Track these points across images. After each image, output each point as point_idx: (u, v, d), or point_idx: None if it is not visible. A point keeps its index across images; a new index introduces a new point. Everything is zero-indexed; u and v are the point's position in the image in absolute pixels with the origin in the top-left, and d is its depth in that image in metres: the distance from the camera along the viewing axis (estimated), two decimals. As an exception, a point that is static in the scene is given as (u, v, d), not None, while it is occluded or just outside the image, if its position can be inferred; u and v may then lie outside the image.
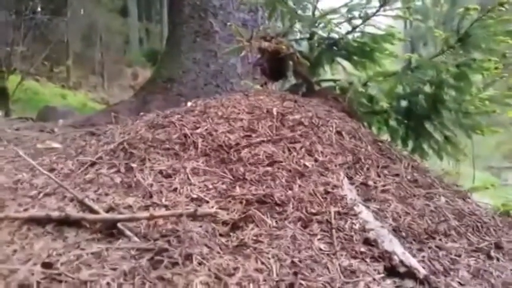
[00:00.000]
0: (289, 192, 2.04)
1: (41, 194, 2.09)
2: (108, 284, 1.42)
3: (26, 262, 1.52)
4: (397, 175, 2.45)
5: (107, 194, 1.95)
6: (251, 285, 1.48)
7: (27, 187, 2.23)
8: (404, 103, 3.88)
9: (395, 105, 4.01)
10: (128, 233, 1.67)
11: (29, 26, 10.74)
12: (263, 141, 2.38)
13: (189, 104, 2.91)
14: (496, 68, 3.44)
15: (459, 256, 1.89)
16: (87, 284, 1.42)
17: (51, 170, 2.38)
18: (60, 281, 1.43)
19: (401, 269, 1.64)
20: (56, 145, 3.38)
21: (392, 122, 4.20)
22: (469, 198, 2.61)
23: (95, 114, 6.70)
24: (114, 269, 1.49)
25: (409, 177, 2.48)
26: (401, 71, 3.67)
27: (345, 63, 4.42)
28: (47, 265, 1.48)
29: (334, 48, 4.18)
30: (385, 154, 2.68)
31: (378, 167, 2.48)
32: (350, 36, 4.11)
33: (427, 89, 3.72)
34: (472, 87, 3.65)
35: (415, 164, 2.80)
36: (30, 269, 1.47)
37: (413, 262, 1.67)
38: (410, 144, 4.08)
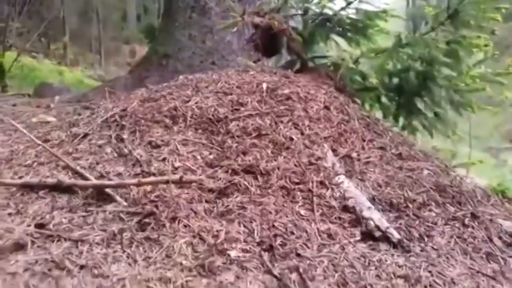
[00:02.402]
0: (274, 162, 2.12)
1: (35, 163, 2.17)
2: (97, 243, 1.52)
3: (20, 223, 1.61)
4: (381, 148, 2.52)
5: (98, 163, 2.03)
6: (233, 244, 1.57)
7: (22, 157, 2.30)
8: (395, 80, 3.92)
9: (387, 82, 4.05)
10: (117, 198, 1.76)
11: (24, 2, 10.61)
12: (251, 114, 2.44)
13: (180, 77, 2.96)
14: (485, 45, 3.48)
15: (435, 224, 1.98)
16: (78, 243, 1.51)
17: (45, 141, 2.44)
18: (53, 240, 1.52)
19: (377, 234, 1.74)
20: (50, 119, 3.44)
21: (383, 99, 4.25)
22: (452, 172, 2.69)
23: (91, 90, 6.71)
24: (104, 230, 1.58)
25: (393, 151, 2.55)
26: (392, 47, 3.69)
27: (339, 40, 4.43)
28: (40, 225, 1.57)
29: (328, 24, 4.18)
30: (372, 129, 2.75)
31: (363, 140, 2.55)
32: (344, 13, 4.11)
33: (418, 65, 3.75)
34: (462, 65, 3.69)
35: (401, 139, 2.87)
36: (25, 229, 1.56)
37: (388, 227, 1.76)
38: (401, 121, 4.14)
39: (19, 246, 1.48)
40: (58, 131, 2.64)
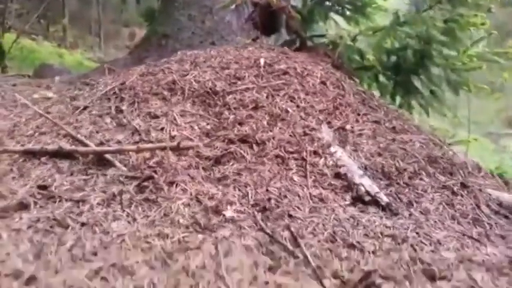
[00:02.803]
0: (270, 133, 2.17)
1: (37, 134, 2.23)
2: (98, 203, 1.58)
3: (23, 186, 1.68)
4: (375, 122, 2.57)
5: (97, 132, 2.09)
6: (228, 206, 1.64)
7: (24, 129, 2.36)
8: (393, 58, 3.94)
9: (385, 61, 4.07)
10: (117, 164, 1.82)
11: (23, -17, 10.53)
12: (248, 88, 2.48)
13: (179, 53, 2.99)
14: (482, 24, 3.49)
15: (425, 191, 2.05)
16: (79, 203, 1.58)
17: (47, 113, 2.50)
18: (55, 201, 1.59)
19: (367, 198, 1.80)
20: (50, 95, 3.49)
21: (381, 78, 4.28)
22: (445, 146, 2.74)
23: (91, 71, 6.74)
24: (104, 192, 1.65)
25: (387, 125, 2.60)
26: (389, 25, 3.70)
27: (338, 18, 4.44)
28: (42, 187, 1.63)
29: (327, 3, 4.19)
30: (367, 104, 2.80)
31: (358, 114, 2.60)
32: (342, -9, 4.11)
33: (416, 44, 3.78)
34: (459, 43, 3.71)
35: (396, 114, 2.92)
36: (27, 191, 1.63)
37: (378, 192, 1.83)
38: (398, 99, 4.18)
39: (22, 206, 1.55)
40: (59, 105, 2.69)
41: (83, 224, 1.47)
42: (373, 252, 1.47)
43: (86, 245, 1.38)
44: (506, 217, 2.07)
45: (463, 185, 2.19)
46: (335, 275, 1.34)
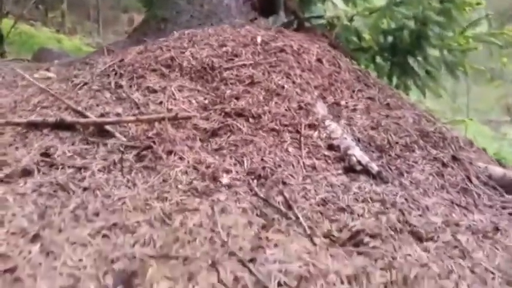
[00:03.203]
0: (265, 107, 2.22)
1: (38, 108, 2.28)
2: (99, 170, 1.65)
3: (27, 154, 1.74)
4: (370, 98, 2.63)
5: (97, 105, 2.14)
6: (224, 174, 1.71)
7: (25, 105, 2.41)
8: (389, 38, 3.98)
9: (382, 42, 4.11)
10: (117, 134, 1.88)
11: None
12: (245, 64, 2.53)
13: (175, 33, 3.02)
14: (477, 3, 3.52)
15: (416, 163, 2.11)
16: (81, 170, 1.64)
17: (49, 84, 2.55)
18: (57, 168, 1.65)
19: (358, 167, 1.86)
20: (51, 75, 3.52)
21: (378, 59, 4.33)
22: (438, 123, 2.80)
23: (90, 53, 6.75)
24: (105, 159, 1.71)
25: (381, 101, 2.65)
26: (386, 5, 3.73)
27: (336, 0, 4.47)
28: (45, 155, 1.69)
29: (324, -17, 4.21)
30: (362, 81, 2.84)
31: (353, 91, 2.65)
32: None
33: (412, 24, 3.81)
34: (455, 24, 3.74)
35: (391, 92, 2.97)
36: (31, 159, 1.69)
37: (369, 162, 1.89)
38: (395, 80, 4.23)
39: (26, 173, 1.61)
40: (59, 83, 2.73)
41: (85, 189, 1.54)
42: (362, 215, 1.53)
43: (88, 207, 1.44)
44: (495, 188, 2.14)
45: (454, 158, 2.25)
46: (325, 235, 1.41)
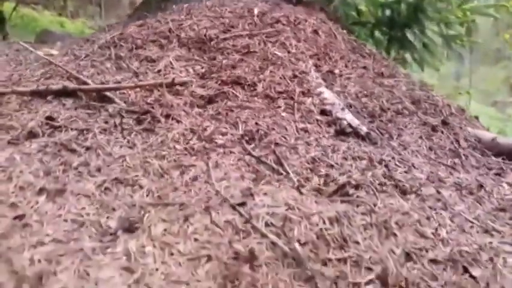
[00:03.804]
0: (261, 75, 2.29)
1: (42, 79, 2.36)
2: (100, 132, 1.73)
3: (32, 119, 1.82)
4: (364, 68, 2.68)
5: (99, 74, 2.22)
6: (220, 136, 1.79)
7: (30, 77, 2.49)
8: (387, 12, 4.00)
9: (379, 16, 4.13)
10: (117, 100, 1.96)
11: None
12: (241, 35, 2.58)
13: (174, 7, 3.07)
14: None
15: (405, 127, 2.18)
16: (83, 132, 1.73)
17: (50, 63, 2.62)
18: (61, 130, 1.74)
19: (348, 130, 1.94)
20: (54, 52, 3.60)
21: (377, 34, 4.35)
22: (431, 92, 2.85)
23: (92, 33, 6.79)
24: (106, 122, 1.80)
25: (375, 70, 2.71)
26: (383, -22, 3.74)
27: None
28: (49, 118, 1.78)
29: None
30: (357, 52, 2.89)
31: (347, 60, 2.70)
32: None
33: (409, -3, 3.82)
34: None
35: (386, 62, 3.02)
36: (36, 123, 1.78)
37: (359, 124, 1.97)
38: (393, 54, 4.26)
39: (32, 135, 1.70)
40: (62, 57, 2.80)
41: (87, 148, 1.63)
42: (349, 171, 1.62)
43: (91, 164, 1.53)
44: (483, 152, 2.21)
45: (444, 123, 2.32)
46: (313, 188, 1.50)
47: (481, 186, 1.80)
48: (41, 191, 1.40)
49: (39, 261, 1.09)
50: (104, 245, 1.15)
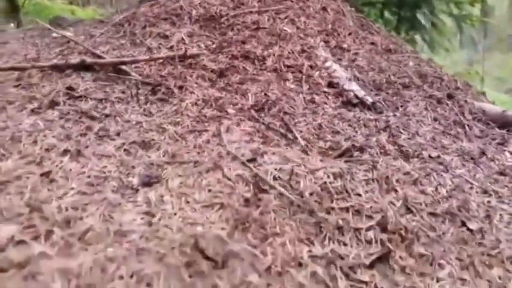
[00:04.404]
0: (270, 50, 2.36)
1: (60, 56, 2.46)
2: (118, 101, 1.83)
3: (53, 90, 1.92)
4: (372, 44, 2.73)
5: (114, 49, 2.31)
6: (230, 105, 1.87)
7: (48, 54, 2.59)
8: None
9: (390, -4, 4.15)
10: (132, 73, 2.05)
11: None
12: (251, 12, 2.65)
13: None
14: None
15: (411, 99, 2.24)
16: (102, 101, 1.82)
17: (67, 41, 2.72)
18: (81, 100, 1.84)
19: (355, 100, 2.01)
20: (69, 33, 3.70)
21: (386, 14, 4.36)
22: (440, 69, 2.88)
23: (105, 17, 6.89)
24: (123, 92, 1.90)
25: (383, 46, 2.75)
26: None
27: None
28: (70, 88, 1.88)
29: None
30: (366, 28, 2.94)
31: (356, 37, 2.75)
32: None
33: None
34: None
35: (394, 39, 3.05)
36: (57, 93, 1.88)
37: (365, 95, 2.03)
38: (402, 35, 4.27)
39: (54, 104, 1.80)
40: (77, 37, 2.90)
41: (106, 116, 1.72)
42: (354, 136, 1.69)
43: (110, 129, 1.63)
44: (487, 123, 2.26)
45: (449, 96, 2.37)
46: (319, 151, 1.58)
47: (483, 153, 1.86)
48: (64, 152, 1.50)
49: (66, 209, 1.19)
50: (126, 196, 1.25)
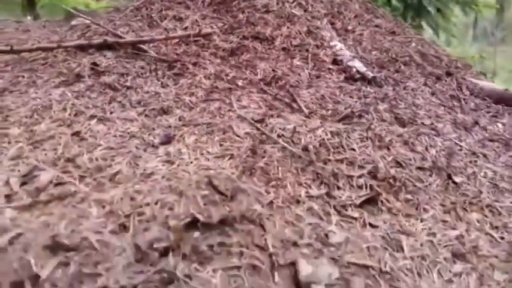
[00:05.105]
0: (278, 31, 2.51)
1: (82, 38, 2.64)
2: (138, 75, 2.00)
3: (79, 66, 2.11)
4: (377, 26, 2.85)
5: (133, 31, 2.48)
6: (240, 79, 2.03)
7: (70, 38, 2.78)
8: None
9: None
10: (150, 51, 2.22)
11: None
12: (261, -5, 2.79)
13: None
14: None
15: (411, 76, 2.37)
16: (123, 75, 2.00)
17: (87, 26, 2.90)
18: (104, 74, 2.02)
19: (357, 76, 2.15)
20: (87, 21, 3.89)
21: (394, 1, 4.46)
22: (443, 50, 3.00)
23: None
24: (142, 68, 2.07)
25: (387, 29, 2.88)
26: None
27: None
28: (94, 64, 2.06)
29: None
30: (371, 12, 3.06)
31: (361, 19, 2.88)
32: None
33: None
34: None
35: (399, 23, 3.17)
36: (82, 68, 2.06)
37: (367, 70, 2.17)
38: (409, 21, 4.37)
39: (79, 78, 1.98)
40: (97, 22, 3.08)
41: (128, 88, 1.90)
42: (354, 105, 1.84)
43: (132, 99, 1.81)
44: (484, 99, 2.38)
45: (448, 74, 2.49)
46: (321, 117, 1.73)
47: (476, 123, 1.99)
48: (91, 117, 1.68)
49: (97, 159, 1.37)
50: (148, 151, 1.42)
